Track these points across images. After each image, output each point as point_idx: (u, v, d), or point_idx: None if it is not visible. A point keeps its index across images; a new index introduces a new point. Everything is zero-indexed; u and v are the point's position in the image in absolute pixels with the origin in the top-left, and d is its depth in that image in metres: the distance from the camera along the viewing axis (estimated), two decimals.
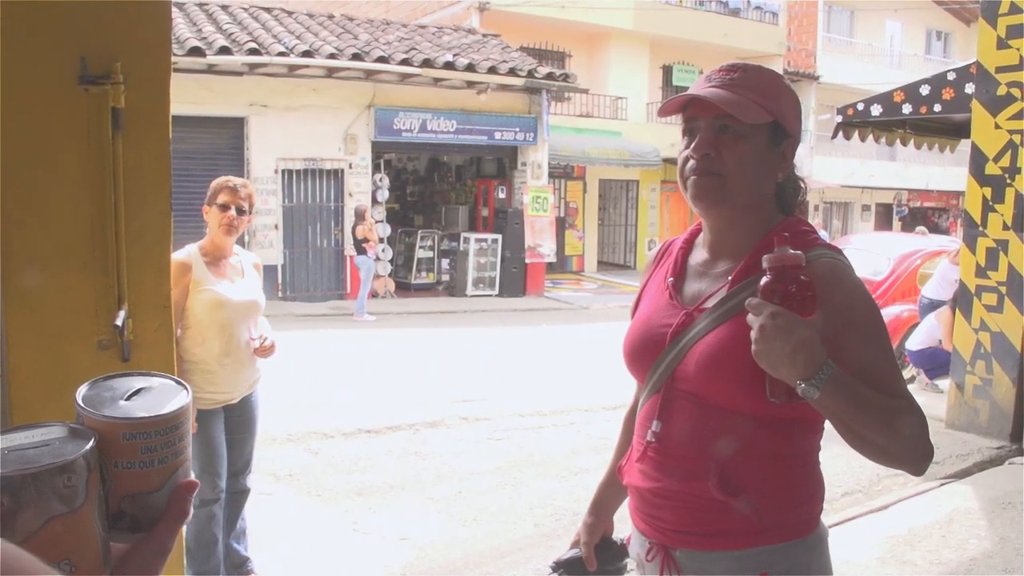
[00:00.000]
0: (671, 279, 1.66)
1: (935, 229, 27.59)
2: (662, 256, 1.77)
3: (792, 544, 1.54)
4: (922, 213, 30.85)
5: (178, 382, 0.86)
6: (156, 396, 0.82)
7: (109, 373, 0.87)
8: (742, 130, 1.51)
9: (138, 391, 0.83)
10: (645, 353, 1.63)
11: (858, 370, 1.40)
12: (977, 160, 6.65)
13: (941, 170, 28.09)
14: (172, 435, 0.80)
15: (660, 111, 1.62)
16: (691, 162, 1.55)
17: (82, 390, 0.82)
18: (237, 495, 3.78)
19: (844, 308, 1.47)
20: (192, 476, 0.85)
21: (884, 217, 30.32)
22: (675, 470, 1.56)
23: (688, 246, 1.71)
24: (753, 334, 1.34)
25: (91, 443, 0.74)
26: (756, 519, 1.51)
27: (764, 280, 1.38)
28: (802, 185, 1.66)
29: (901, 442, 1.42)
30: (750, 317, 1.36)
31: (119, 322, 2.13)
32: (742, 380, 1.41)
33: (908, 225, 29.03)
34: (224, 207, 3.59)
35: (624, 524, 1.78)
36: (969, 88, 7.16)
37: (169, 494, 0.81)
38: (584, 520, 1.88)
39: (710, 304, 1.55)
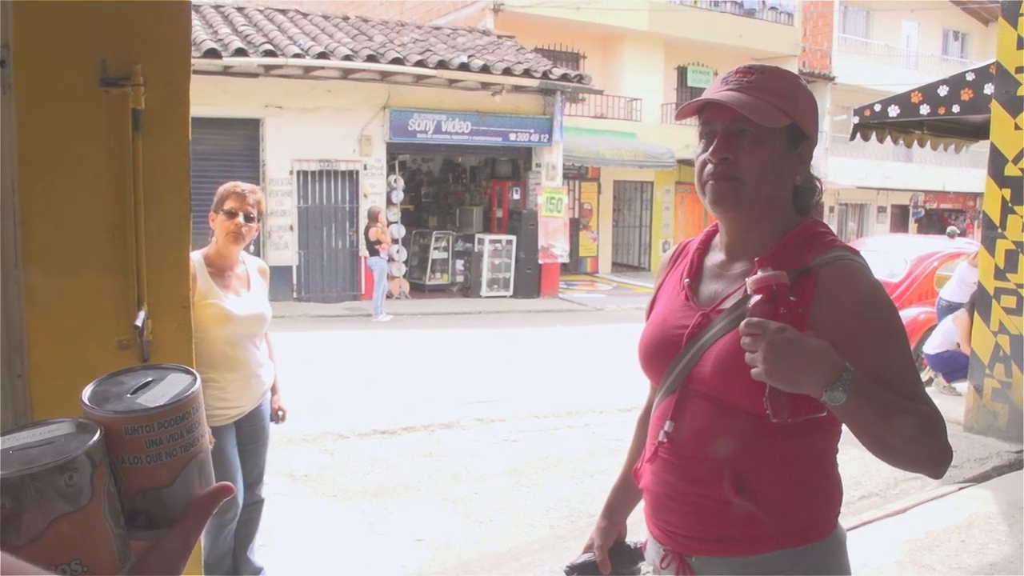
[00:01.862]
0: (687, 280, 1.65)
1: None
2: (677, 257, 1.76)
3: (810, 548, 1.52)
4: (938, 215, 30.66)
5: (188, 371, 0.83)
6: (163, 388, 0.80)
7: (122, 368, 0.85)
8: (760, 133, 1.50)
9: (146, 384, 0.81)
10: (661, 354, 1.62)
11: (875, 373, 1.38)
12: (996, 161, 6.60)
13: (958, 171, 27.93)
14: (178, 427, 0.77)
15: (677, 114, 1.62)
16: (709, 166, 1.54)
17: (90, 387, 0.80)
18: (252, 506, 3.70)
19: (861, 310, 1.46)
20: (212, 472, 0.83)
21: (900, 219, 30.15)
22: (686, 471, 1.55)
23: (704, 247, 1.70)
24: (760, 354, 1.31)
25: (95, 438, 0.72)
26: (772, 523, 1.49)
27: (753, 302, 1.36)
28: (818, 185, 1.65)
29: (920, 445, 1.41)
30: (746, 340, 1.33)
31: (139, 323, 2.14)
32: (760, 382, 1.39)
33: (924, 227, 28.86)
34: (231, 214, 3.41)
35: (638, 527, 1.78)
36: (988, 89, 7.11)
37: (187, 489, 0.78)
38: (597, 524, 1.87)
39: (727, 305, 1.55)
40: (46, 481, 0.68)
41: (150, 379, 0.82)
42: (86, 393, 0.79)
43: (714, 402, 1.52)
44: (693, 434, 1.54)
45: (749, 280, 1.38)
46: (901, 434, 1.37)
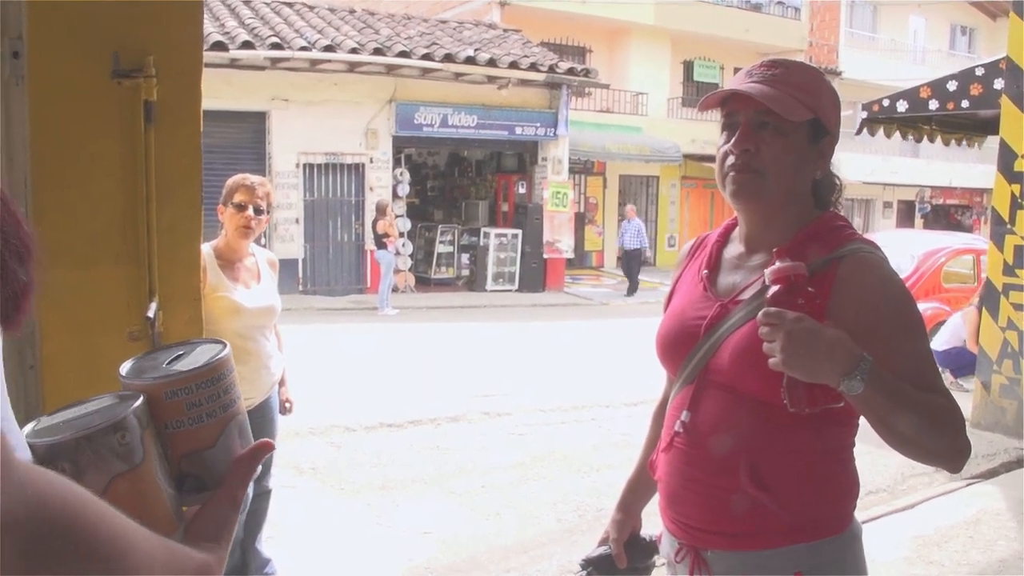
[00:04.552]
0: (705, 271, 1.64)
1: (958, 227, 27.33)
2: (696, 249, 1.75)
3: (826, 542, 1.52)
4: (944, 210, 30.56)
5: (216, 340, 0.87)
6: (195, 357, 0.84)
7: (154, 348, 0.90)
8: (783, 127, 1.49)
9: (178, 356, 0.85)
10: (679, 345, 1.61)
11: (893, 365, 1.37)
12: (1005, 157, 6.57)
13: (965, 167, 27.81)
14: (215, 388, 0.81)
15: (700, 105, 1.61)
16: (731, 158, 1.53)
17: (127, 363, 0.84)
18: (260, 497, 3.69)
19: (879, 303, 1.45)
20: (251, 433, 0.86)
21: (906, 214, 30.04)
22: (702, 461, 1.54)
23: (723, 240, 1.69)
24: (778, 344, 1.31)
25: (139, 401, 0.76)
26: (788, 516, 1.49)
27: (771, 292, 1.36)
28: (838, 182, 1.65)
29: (939, 439, 1.40)
30: (764, 330, 1.33)
31: (151, 314, 2.14)
32: (778, 372, 1.39)
33: (930, 222, 28.77)
34: (241, 207, 3.37)
35: (653, 519, 1.77)
36: (998, 84, 7.08)
37: (229, 450, 0.82)
38: (612, 517, 1.87)
39: (745, 296, 1.54)
40: (100, 441, 0.72)
41: (181, 352, 0.86)
42: (124, 368, 0.83)
43: (731, 393, 1.52)
44: (710, 424, 1.54)
45: (767, 271, 1.38)
46: (918, 426, 1.37)
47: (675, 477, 1.59)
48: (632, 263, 17.33)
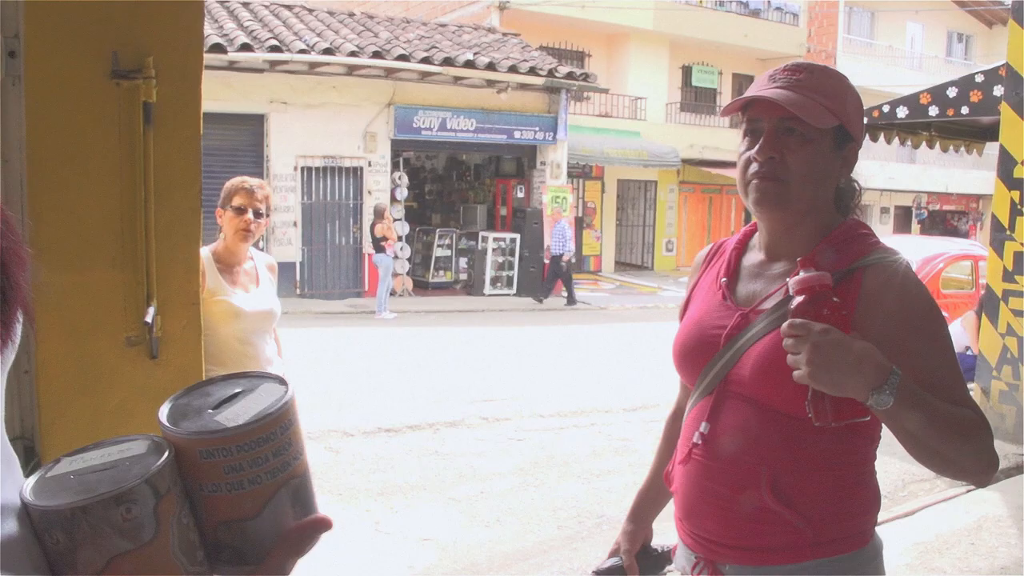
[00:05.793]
0: (724, 279, 1.60)
1: (955, 232, 27.36)
2: (712, 257, 1.71)
3: (847, 557, 1.47)
4: (941, 216, 30.62)
5: (281, 381, 0.74)
6: (249, 402, 0.70)
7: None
8: (808, 133, 1.45)
9: (233, 396, 0.72)
10: (697, 355, 1.57)
11: (920, 377, 1.33)
12: (1005, 163, 6.55)
13: (962, 173, 27.87)
14: (260, 450, 0.67)
15: (723, 111, 1.57)
16: (753, 165, 1.49)
17: (171, 399, 0.72)
18: None
19: (905, 313, 1.42)
20: (314, 500, 0.73)
21: (903, 220, 30.10)
22: (721, 474, 1.50)
23: (742, 247, 1.65)
24: (803, 356, 1.26)
25: (158, 463, 0.64)
26: (809, 531, 1.45)
27: (796, 303, 1.32)
28: (857, 187, 1.62)
29: (968, 453, 1.36)
30: (789, 342, 1.29)
31: (148, 319, 2.10)
32: (802, 385, 1.35)
33: (927, 228, 28.84)
34: (240, 210, 3.33)
35: (662, 526, 1.74)
36: (998, 90, 7.08)
37: (276, 521, 0.69)
38: (623, 527, 1.83)
39: (767, 306, 1.50)
40: (99, 515, 0.61)
41: (239, 390, 0.73)
42: (165, 408, 0.71)
43: (753, 404, 1.47)
44: (730, 437, 1.50)
45: (791, 280, 1.33)
46: (948, 440, 1.33)
47: (693, 490, 1.55)
48: (556, 269, 15.78)
